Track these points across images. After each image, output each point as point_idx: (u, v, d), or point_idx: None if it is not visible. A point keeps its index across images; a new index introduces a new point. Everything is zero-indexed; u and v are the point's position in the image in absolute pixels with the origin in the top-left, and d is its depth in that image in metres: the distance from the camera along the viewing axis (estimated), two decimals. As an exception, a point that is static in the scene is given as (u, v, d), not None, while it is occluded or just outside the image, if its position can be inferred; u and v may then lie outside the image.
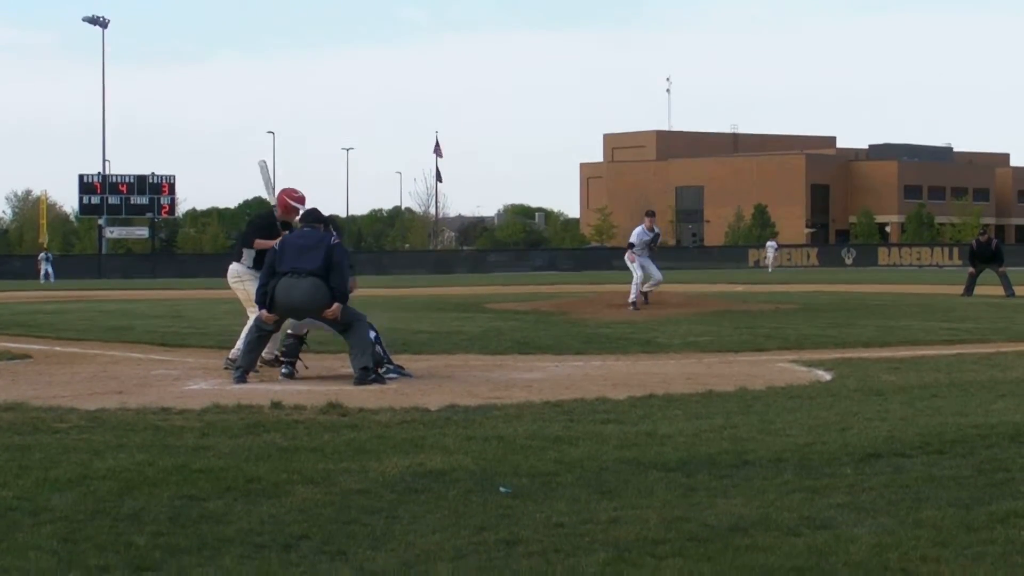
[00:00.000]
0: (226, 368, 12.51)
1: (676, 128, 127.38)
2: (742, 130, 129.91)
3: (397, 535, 5.60)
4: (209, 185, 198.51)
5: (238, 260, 13.20)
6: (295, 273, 11.75)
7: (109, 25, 77.81)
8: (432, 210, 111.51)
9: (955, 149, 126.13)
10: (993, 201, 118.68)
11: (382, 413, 9.36)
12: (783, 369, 12.68)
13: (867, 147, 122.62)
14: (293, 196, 12.90)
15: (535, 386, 11.22)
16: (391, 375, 11.97)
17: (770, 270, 65.92)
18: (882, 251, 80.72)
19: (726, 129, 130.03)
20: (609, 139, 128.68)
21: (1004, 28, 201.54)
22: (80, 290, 42.66)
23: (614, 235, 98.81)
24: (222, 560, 5.20)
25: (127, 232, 79.76)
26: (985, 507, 6.02)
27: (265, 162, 14.34)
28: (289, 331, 12.36)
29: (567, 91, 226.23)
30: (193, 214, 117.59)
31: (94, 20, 77.82)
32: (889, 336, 16.57)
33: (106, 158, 79.64)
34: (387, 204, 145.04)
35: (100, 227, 75.96)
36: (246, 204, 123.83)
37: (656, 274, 23.28)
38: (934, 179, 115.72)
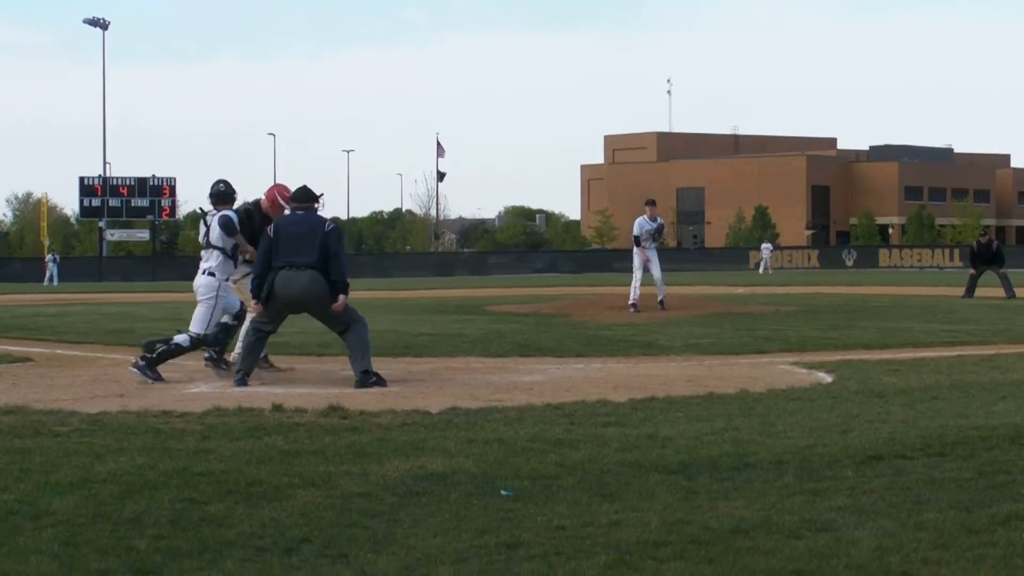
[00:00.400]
0: (224, 369, 12.53)
1: (677, 129, 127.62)
2: (743, 131, 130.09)
3: (398, 538, 5.60)
4: (209, 187, 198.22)
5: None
6: (292, 267, 11.60)
7: (109, 27, 77.87)
8: (433, 212, 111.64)
9: (956, 150, 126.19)
10: (994, 202, 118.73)
11: (383, 416, 9.36)
12: (784, 371, 12.68)
13: (868, 148, 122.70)
14: (284, 195, 12.57)
15: (536, 388, 11.22)
16: (134, 369, 11.95)
17: (762, 271, 65.86)
18: (883, 252, 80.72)
19: (727, 130, 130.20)
20: (610, 140, 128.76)
21: (1004, 29, 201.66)
22: (81, 293, 42.68)
23: (615, 237, 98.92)
24: (223, 564, 5.20)
25: (128, 234, 79.74)
26: (986, 509, 6.02)
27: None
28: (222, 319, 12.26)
29: (568, 92, 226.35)
30: (194, 216, 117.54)
31: (94, 22, 77.83)
32: (890, 338, 16.57)
33: (107, 160, 79.80)
34: (388, 206, 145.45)
35: (101, 229, 75.95)
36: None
37: (656, 273, 22.96)
38: (935, 180, 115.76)
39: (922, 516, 5.88)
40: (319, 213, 12.01)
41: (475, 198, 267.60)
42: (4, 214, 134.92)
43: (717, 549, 5.35)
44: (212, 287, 12.41)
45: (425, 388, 11.36)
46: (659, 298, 22.82)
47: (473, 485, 6.67)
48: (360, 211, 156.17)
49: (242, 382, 11.61)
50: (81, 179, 73.19)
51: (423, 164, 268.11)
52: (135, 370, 12.04)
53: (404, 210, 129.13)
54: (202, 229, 12.75)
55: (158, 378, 12.04)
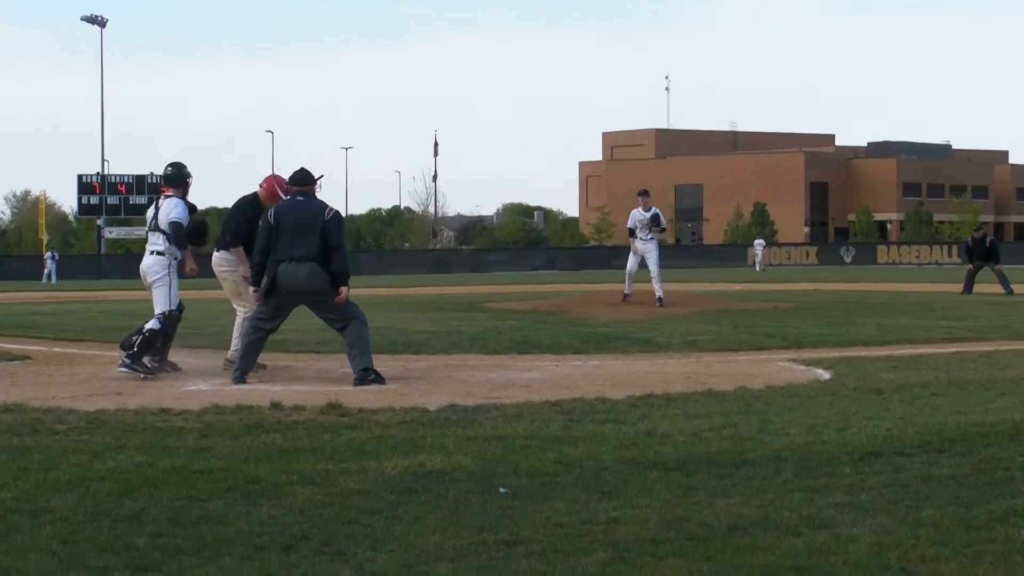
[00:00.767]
0: (225, 369, 12.50)
1: (675, 126, 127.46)
2: (741, 128, 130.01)
3: (397, 536, 5.60)
4: (208, 185, 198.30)
5: (219, 248, 12.94)
6: (292, 260, 11.48)
7: (107, 24, 77.81)
8: (431, 209, 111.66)
9: (954, 147, 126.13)
10: (992, 199, 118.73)
11: (381, 413, 9.37)
12: (782, 368, 12.68)
13: (866, 145, 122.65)
14: (283, 186, 12.50)
15: (534, 386, 11.22)
16: (122, 369, 12.00)
17: (758, 268, 65.98)
18: (881, 249, 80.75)
19: (725, 127, 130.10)
20: (608, 137, 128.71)
21: (1002, 26, 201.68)
22: (79, 291, 42.66)
23: (613, 234, 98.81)
24: (222, 561, 5.20)
25: (126, 232, 79.65)
26: (984, 506, 6.02)
27: None
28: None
29: (566, 89, 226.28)
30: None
31: (92, 19, 77.71)
32: (888, 335, 16.57)
33: (105, 158, 79.63)
34: (386, 203, 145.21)
35: (99, 227, 75.93)
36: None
37: (653, 268, 22.88)
38: (933, 177, 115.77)
39: (920, 513, 5.89)
40: (319, 196, 11.88)
41: (473, 195, 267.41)
42: (2, 212, 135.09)
43: (715, 546, 5.35)
44: (163, 265, 12.48)
45: (423, 386, 11.36)
46: (656, 295, 22.73)
47: (472, 482, 6.68)
48: (358, 208, 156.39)
49: (240, 380, 11.59)
50: (79, 177, 73.16)
51: (421, 161, 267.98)
52: (124, 370, 12.06)
53: (402, 207, 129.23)
54: (151, 212, 12.73)
55: (148, 371, 12.08)
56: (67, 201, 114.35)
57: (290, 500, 6.31)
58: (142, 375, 12.00)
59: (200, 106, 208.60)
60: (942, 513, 5.87)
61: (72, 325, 20.41)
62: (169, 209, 12.48)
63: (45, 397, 10.51)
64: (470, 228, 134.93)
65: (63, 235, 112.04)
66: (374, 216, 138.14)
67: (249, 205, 12.93)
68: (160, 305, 12.45)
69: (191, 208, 12.67)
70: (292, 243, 11.52)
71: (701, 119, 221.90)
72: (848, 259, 77.00)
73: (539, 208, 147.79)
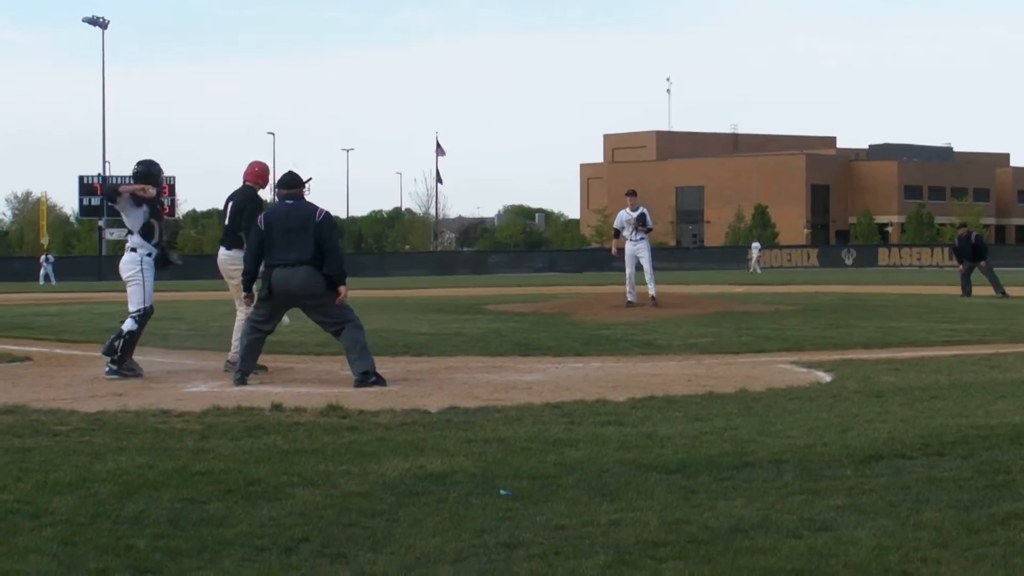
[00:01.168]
0: (226, 370, 12.50)
1: (676, 128, 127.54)
2: (742, 130, 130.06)
3: (397, 538, 5.60)
4: (209, 186, 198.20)
5: (228, 247, 12.98)
6: (286, 265, 11.45)
7: (109, 26, 77.80)
8: (432, 211, 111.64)
9: (955, 149, 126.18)
10: (993, 201, 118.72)
11: (382, 415, 9.36)
12: (783, 370, 12.68)
13: (867, 147, 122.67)
14: (264, 174, 12.67)
15: (535, 388, 11.22)
16: (111, 376, 12.04)
17: (751, 270, 66.07)
18: (882, 251, 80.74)
19: (726, 129, 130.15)
20: (609, 139, 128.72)
21: (1004, 28, 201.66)
22: (80, 292, 42.65)
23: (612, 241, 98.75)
24: (222, 563, 5.20)
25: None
26: (985, 509, 6.02)
27: None
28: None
29: (567, 91, 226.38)
30: (193, 215, 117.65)
31: (94, 21, 77.73)
32: (889, 337, 16.57)
33: (106, 159, 79.67)
34: (387, 205, 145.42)
35: (100, 229, 75.90)
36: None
37: (647, 269, 22.90)
38: (934, 179, 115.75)
39: (921, 515, 5.88)
40: (307, 199, 11.84)
41: (474, 197, 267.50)
42: (4, 213, 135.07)
43: (716, 548, 5.35)
44: (135, 262, 12.56)
45: (424, 387, 11.35)
46: (650, 294, 22.83)
47: (472, 484, 6.67)
48: (359, 210, 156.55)
49: (241, 382, 11.59)
50: (81, 178, 73.17)
51: (422, 163, 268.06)
52: (113, 376, 12.08)
53: (403, 209, 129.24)
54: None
55: (137, 372, 12.12)
56: (68, 202, 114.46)
57: (291, 502, 6.31)
58: (131, 375, 12.05)
59: (201, 108, 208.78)
60: (943, 516, 5.87)
61: (73, 326, 20.41)
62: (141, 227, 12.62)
63: (46, 398, 10.51)
64: (471, 230, 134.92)
65: (64, 236, 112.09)
66: (375, 218, 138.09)
67: (253, 197, 12.93)
68: (135, 303, 12.50)
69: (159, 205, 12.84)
70: (285, 248, 11.49)
71: (702, 121, 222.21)
72: (849, 261, 76.99)
73: (540, 210, 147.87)
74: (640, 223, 23.08)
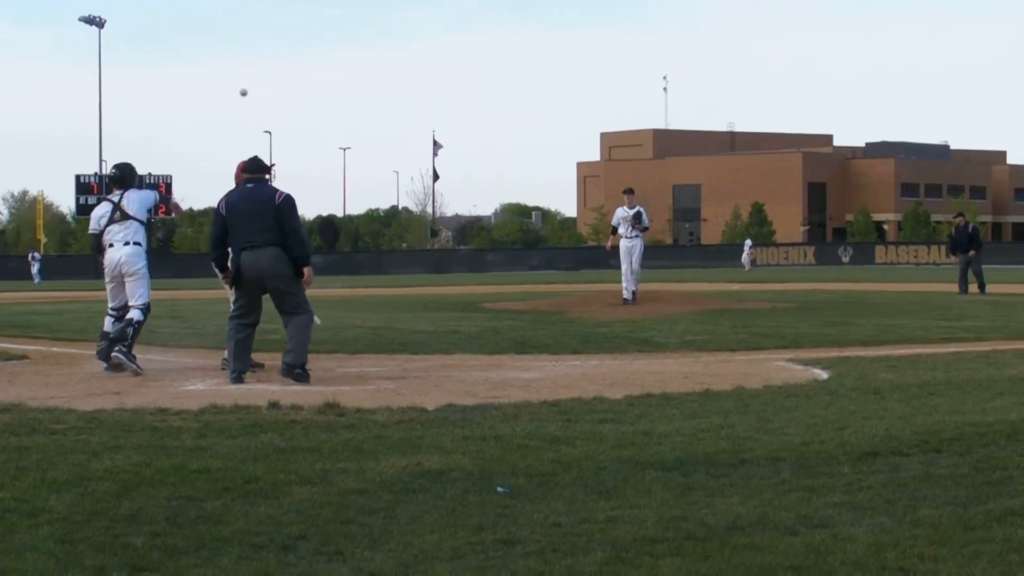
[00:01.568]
0: (223, 368, 12.50)
1: (673, 127, 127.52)
2: (739, 128, 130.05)
3: (395, 535, 5.60)
4: (206, 185, 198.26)
5: None
6: (253, 247, 11.47)
7: (105, 25, 77.72)
8: (429, 209, 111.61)
9: (952, 147, 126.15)
10: (990, 199, 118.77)
11: (379, 413, 9.36)
12: (780, 368, 12.68)
13: (864, 145, 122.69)
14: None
15: (532, 386, 11.22)
16: (122, 355, 12.16)
17: (746, 268, 66.19)
18: (879, 249, 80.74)
19: (723, 128, 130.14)
20: (606, 138, 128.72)
21: (1000, 26, 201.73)
22: (77, 290, 42.62)
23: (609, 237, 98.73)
24: (220, 561, 5.20)
25: (124, 232, 79.49)
26: (982, 505, 6.03)
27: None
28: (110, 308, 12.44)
29: (564, 90, 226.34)
30: (190, 214, 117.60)
31: (90, 20, 77.60)
32: (886, 334, 16.58)
33: (103, 158, 79.53)
34: (384, 203, 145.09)
35: (98, 227, 75.69)
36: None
37: (635, 264, 22.99)
38: (931, 177, 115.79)
39: (918, 512, 5.89)
40: (272, 184, 11.86)
41: (471, 195, 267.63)
42: (0, 212, 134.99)
43: (713, 545, 5.35)
44: (140, 255, 12.66)
45: (421, 385, 11.35)
46: (632, 288, 22.99)
47: (470, 482, 6.67)
48: (356, 208, 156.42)
49: (238, 380, 11.58)
50: (77, 177, 72.95)
51: (419, 162, 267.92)
52: (120, 356, 12.20)
53: (400, 207, 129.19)
54: (102, 212, 12.79)
55: (139, 368, 12.26)
56: (65, 201, 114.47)
57: (288, 500, 6.30)
58: (135, 367, 12.10)
59: (197, 106, 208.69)
60: (940, 513, 5.87)
61: (70, 325, 20.41)
62: (137, 198, 12.77)
63: (43, 397, 10.51)
64: (468, 228, 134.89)
65: (61, 235, 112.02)
66: (372, 216, 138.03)
67: None
68: (140, 296, 12.53)
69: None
70: (248, 230, 11.51)
71: (699, 119, 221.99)
72: (846, 259, 76.99)
73: (537, 208, 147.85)
74: (636, 221, 23.22)
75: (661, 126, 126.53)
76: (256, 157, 11.99)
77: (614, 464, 7.15)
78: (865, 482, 6.60)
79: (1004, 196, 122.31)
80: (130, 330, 12.35)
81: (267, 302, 12.03)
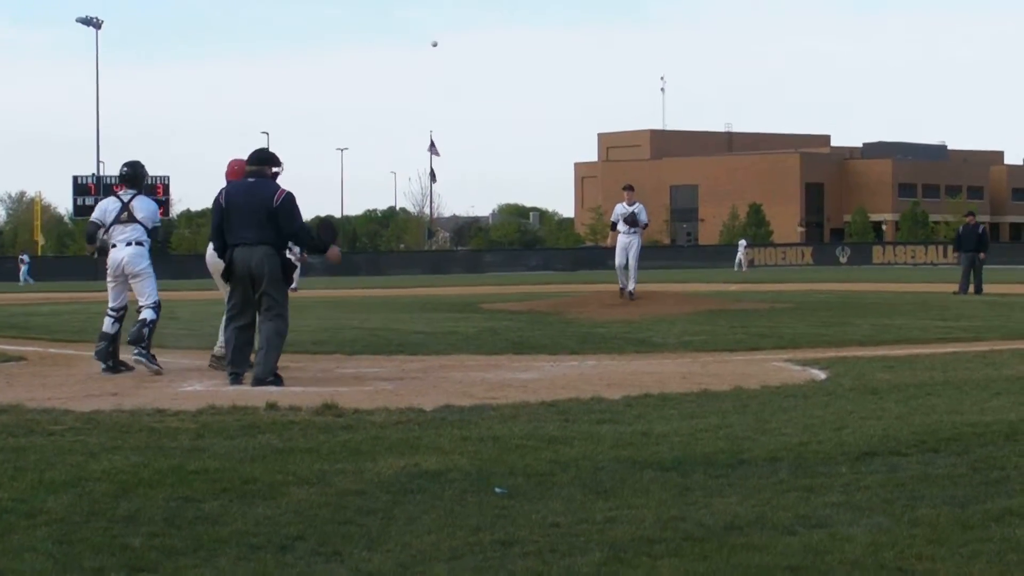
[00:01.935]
0: (211, 366, 12.55)
1: (670, 127, 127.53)
2: (736, 129, 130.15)
3: (393, 536, 5.60)
4: (203, 186, 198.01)
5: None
6: (245, 244, 11.45)
7: (103, 26, 77.71)
8: (427, 210, 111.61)
9: (949, 147, 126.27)
10: (987, 199, 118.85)
11: (377, 414, 9.36)
12: (778, 368, 12.68)
13: (861, 145, 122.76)
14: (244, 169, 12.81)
15: (530, 386, 11.21)
16: (138, 356, 12.24)
17: (738, 269, 66.22)
18: (876, 249, 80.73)
19: (720, 128, 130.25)
20: (603, 138, 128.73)
21: (998, 26, 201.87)
22: (75, 292, 42.59)
23: (609, 234, 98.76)
24: (218, 561, 5.20)
25: (121, 233, 79.41)
26: (980, 505, 6.03)
27: None
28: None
29: (561, 90, 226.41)
30: (188, 215, 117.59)
31: (88, 21, 77.56)
32: (884, 335, 16.58)
33: (100, 159, 79.54)
34: (382, 204, 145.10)
35: (95, 228, 75.66)
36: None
37: (632, 262, 23.03)
38: (928, 177, 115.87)
39: (916, 512, 5.89)
40: (275, 181, 11.72)
41: (469, 196, 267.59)
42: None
43: (711, 546, 5.35)
44: (143, 255, 12.71)
45: (419, 386, 11.35)
46: (629, 288, 23.02)
47: (467, 483, 6.67)
48: (354, 209, 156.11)
49: (236, 381, 11.56)
50: (75, 178, 72.93)
51: (417, 162, 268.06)
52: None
53: (398, 208, 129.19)
54: (111, 206, 12.77)
55: (159, 367, 12.34)
56: (63, 202, 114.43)
57: (286, 500, 6.30)
58: (156, 367, 12.24)
59: (195, 107, 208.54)
60: (938, 512, 5.87)
61: (67, 326, 20.39)
62: (147, 206, 12.79)
63: (41, 398, 10.50)
64: (465, 229, 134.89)
65: (59, 236, 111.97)
66: (369, 217, 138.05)
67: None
68: (151, 296, 12.59)
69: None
70: (243, 226, 11.48)
71: (696, 120, 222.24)
72: (843, 259, 76.99)
73: (535, 209, 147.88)
74: (633, 219, 23.27)
75: (658, 126, 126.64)
76: (264, 149, 11.96)
77: (612, 464, 7.15)
78: (863, 482, 6.60)
79: (1001, 196, 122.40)
80: (145, 331, 12.42)
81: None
